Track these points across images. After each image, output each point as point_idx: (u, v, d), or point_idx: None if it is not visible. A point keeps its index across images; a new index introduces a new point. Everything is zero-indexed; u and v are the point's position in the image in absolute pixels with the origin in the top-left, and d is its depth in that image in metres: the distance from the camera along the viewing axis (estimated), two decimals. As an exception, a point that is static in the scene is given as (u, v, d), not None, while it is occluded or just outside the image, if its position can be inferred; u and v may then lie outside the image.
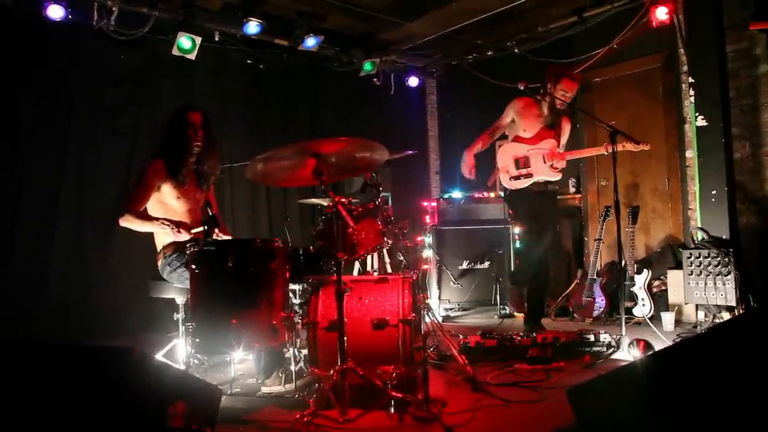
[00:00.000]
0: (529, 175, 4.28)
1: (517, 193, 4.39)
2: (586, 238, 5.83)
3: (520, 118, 4.36)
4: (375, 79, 6.35)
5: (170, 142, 3.30)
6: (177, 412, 2.06)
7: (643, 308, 4.62)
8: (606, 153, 3.99)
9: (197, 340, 2.68)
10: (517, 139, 4.37)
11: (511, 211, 5.05)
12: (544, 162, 4.25)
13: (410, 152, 4.51)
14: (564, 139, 4.40)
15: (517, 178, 4.31)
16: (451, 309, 5.45)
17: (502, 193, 4.73)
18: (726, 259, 4.25)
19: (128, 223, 3.14)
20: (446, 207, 5.63)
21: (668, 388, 1.95)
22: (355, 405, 2.56)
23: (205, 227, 2.70)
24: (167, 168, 3.24)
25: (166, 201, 3.26)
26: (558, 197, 5.62)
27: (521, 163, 4.29)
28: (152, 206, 3.27)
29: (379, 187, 3.40)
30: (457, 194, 5.84)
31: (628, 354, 3.42)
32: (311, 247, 3.22)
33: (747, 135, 4.64)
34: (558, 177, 4.31)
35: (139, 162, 4.95)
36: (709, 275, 4.31)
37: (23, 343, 2.18)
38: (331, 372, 2.54)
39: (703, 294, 4.33)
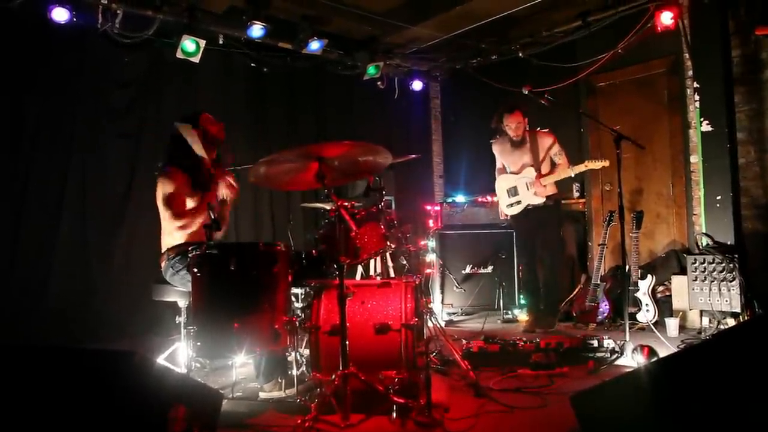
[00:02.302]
0: (519, 203, 4.89)
1: (514, 218, 5.02)
2: (589, 243, 5.80)
3: (501, 158, 5.04)
4: (379, 83, 6.35)
5: (184, 146, 3.29)
6: (178, 416, 2.05)
7: (647, 314, 4.59)
8: (572, 175, 4.66)
9: (199, 343, 2.67)
10: (506, 172, 5.04)
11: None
12: (528, 189, 4.82)
13: (413, 156, 4.53)
14: (553, 151, 4.81)
15: (510, 205, 4.94)
16: (454, 313, 5.44)
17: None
18: (731, 264, 4.23)
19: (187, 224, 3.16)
20: (449, 211, 5.63)
21: (673, 394, 1.93)
22: (357, 410, 2.55)
23: (207, 231, 2.69)
24: (185, 173, 3.24)
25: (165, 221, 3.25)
26: (562, 202, 5.64)
27: (511, 192, 4.93)
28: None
29: (383, 190, 3.39)
30: (460, 198, 5.82)
31: (632, 360, 3.40)
32: (314, 251, 3.21)
33: (752, 140, 4.62)
34: (542, 200, 4.80)
35: (144, 164, 4.98)
36: (713, 281, 4.29)
37: (23, 346, 2.18)
38: (333, 377, 2.53)
39: (708, 300, 4.31)
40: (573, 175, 4.69)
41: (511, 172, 4.93)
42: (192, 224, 3.17)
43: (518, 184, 4.86)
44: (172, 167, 3.22)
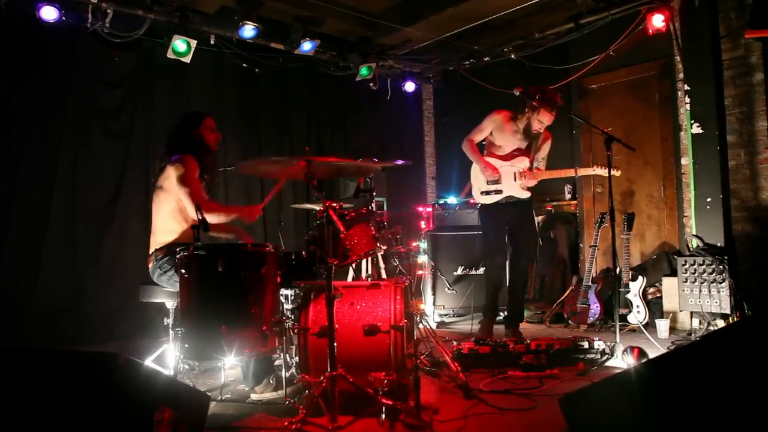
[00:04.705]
0: (499, 192, 4.38)
1: (486, 207, 4.48)
2: (581, 245, 5.81)
3: (497, 133, 4.42)
4: (371, 84, 6.34)
5: (192, 142, 3.29)
6: (163, 418, 2.03)
7: (637, 315, 4.60)
8: (575, 176, 4.19)
9: (186, 345, 2.65)
10: (492, 154, 4.46)
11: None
12: (515, 180, 4.35)
13: (402, 163, 4.38)
14: (543, 154, 4.45)
15: (487, 193, 4.41)
16: (445, 315, 5.43)
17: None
18: (720, 266, 4.24)
19: (214, 215, 3.16)
20: (441, 212, 5.62)
21: (662, 396, 1.93)
22: (345, 412, 2.53)
23: (195, 231, 2.66)
24: (198, 163, 3.25)
25: (186, 203, 3.22)
26: (554, 203, 5.64)
27: (492, 179, 4.38)
28: (167, 207, 3.22)
29: (373, 192, 3.37)
30: (452, 200, 5.82)
31: (622, 361, 3.40)
32: (304, 252, 3.19)
33: (742, 143, 4.64)
34: (527, 195, 4.38)
35: (134, 165, 4.95)
36: (703, 282, 4.30)
37: (5, 349, 2.15)
38: (321, 378, 2.51)
39: (698, 301, 4.32)
40: (577, 177, 4.44)
41: (497, 156, 4.42)
42: (213, 213, 3.15)
43: (504, 171, 4.36)
44: (188, 155, 3.22)
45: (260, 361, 2.96)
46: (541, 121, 4.24)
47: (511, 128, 4.39)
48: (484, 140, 4.52)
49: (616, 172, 4.15)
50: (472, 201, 5.61)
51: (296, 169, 2.75)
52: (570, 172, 4.47)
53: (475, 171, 4.49)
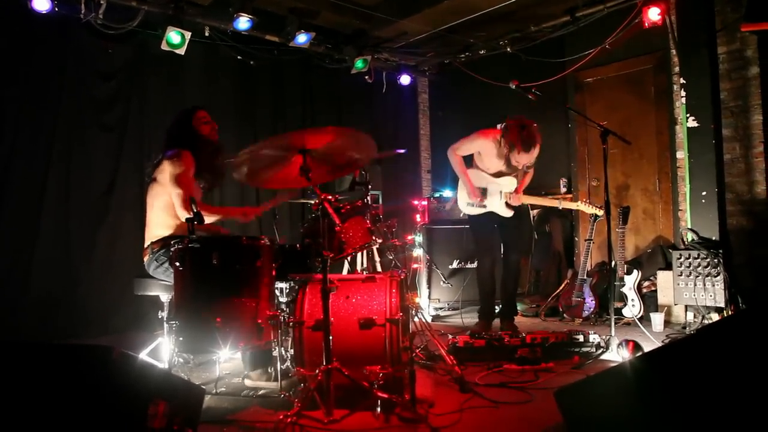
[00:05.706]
0: (483, 206, 4.39)
1: (473, 217, 4.50)
2: (576, 239, 5.82)
3: (484, 155, 4.40)
4: (367, 77, 6.31)
5: (188, 137, 3.28)
6: (158, 411, 2.02)
7: (632, 309, 4.61)
8: (559, 207, 4.31)
9: (181, 338, 2.64)
10: (479, 168, 4.47)
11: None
12: (500, 198, 4.36)
13: (399, 151, 4.43)
14: (532, 161, 4.38)
15: (471, 205, 4.43)
16: (441, 308, 5.43)
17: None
18: (715, 260, 4.25)
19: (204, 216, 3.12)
20: (437, 206, 5.61)
21: (657, 389, 1.93)
22: (340, 405, 2.53)
23: (189, 224, 2.64)
24: (194, 159, 3.24)
25: (176, 202, 3.19)
26: (549, 197, 5.60)
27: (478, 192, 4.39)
28: (160, 201, 3.20)
29: (368, 184, 3.36)
30: (447, 193, 5.81)
31: (617, 355, 3.41)
32: (298, 245, 3.18)
33: (737, 137, 4.65)
34: (510, 214, 4.37)
35: (128, 158, 4.92)
36: (698, 276, 4.31)
37: (0, 343, 2.13)
38: (317, 372, 2.51)
39: (693, 295, 4.33)
40: (560, 207, 4.40)
41: (485, 171, 4.42)
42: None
43: (490, 188, 4.38)
44: (185, 151, 3.20)
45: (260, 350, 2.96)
46: (518, 160, 4.21)
47: (496, 152, 4.32)
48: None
49: (597, 211, 4.34)
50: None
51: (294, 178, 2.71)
52: (554, 203, 4.51)
53: (461, 186, 4.51)
